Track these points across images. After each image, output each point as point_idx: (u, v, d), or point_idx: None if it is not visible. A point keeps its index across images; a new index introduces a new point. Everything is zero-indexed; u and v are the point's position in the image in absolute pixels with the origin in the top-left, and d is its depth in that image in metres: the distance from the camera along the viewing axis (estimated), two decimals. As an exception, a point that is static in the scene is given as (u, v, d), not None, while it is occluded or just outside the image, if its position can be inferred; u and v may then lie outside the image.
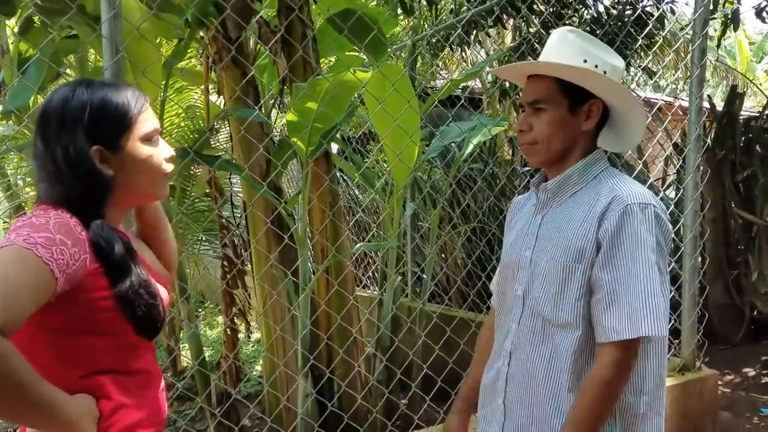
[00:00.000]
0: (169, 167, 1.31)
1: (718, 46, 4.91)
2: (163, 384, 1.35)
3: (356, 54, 3.73)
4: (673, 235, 1.49)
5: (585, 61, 1.44)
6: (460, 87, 3.93)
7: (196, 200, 5.23)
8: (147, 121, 1.27)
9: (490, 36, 6.61)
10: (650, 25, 4.19)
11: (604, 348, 1.34)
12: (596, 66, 1.44)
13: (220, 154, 3.87)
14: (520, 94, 1.62)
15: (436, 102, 3.17)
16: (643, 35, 4.06)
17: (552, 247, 1.44)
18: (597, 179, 1.46)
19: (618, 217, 1.35)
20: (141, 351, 1.27)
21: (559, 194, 1.50)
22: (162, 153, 1.30)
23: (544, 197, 1.54)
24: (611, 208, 1.36)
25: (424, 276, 3.65)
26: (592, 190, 1.45)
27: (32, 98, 4.14)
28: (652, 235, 1.35)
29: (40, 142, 1.20)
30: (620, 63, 1.50)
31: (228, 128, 4.72)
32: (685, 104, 3.38)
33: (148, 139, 1.26)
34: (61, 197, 1.18)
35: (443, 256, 4.91)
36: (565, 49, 1.47)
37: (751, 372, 4.75)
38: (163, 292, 1.34)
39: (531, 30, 5.47)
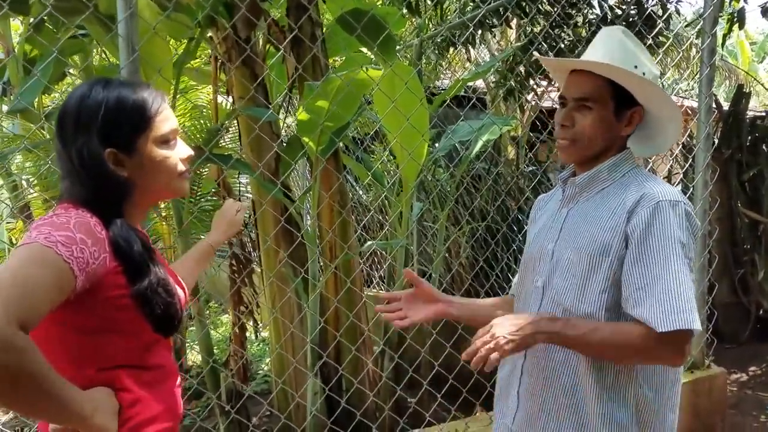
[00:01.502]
0: (185, 167, 1.31)
1: (723, 45, 4.90)
2: (179, 380, 1.37)
3: (364, 53, 3.74)
4: (698, 234, 1.48)
5: (635, 66, 1.45)
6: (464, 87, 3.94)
7: (202, 199, 5.23)
8: (165, 121, 1.26)
9: (494, 35, 6.62)
10: (659, 25, 4.19)
11: (647, 329, 1.31)
12: (644, 74, 1.45)
13: (230, 153, 3.88)
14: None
15: (442, 102, 3.18)
16: (652, 35, 4.05)
17: (577, 239, 1.44)
18: (625, 177, 1.48)
19: (649, 214, 1.35)
20: (158, 347, 1.28)
21: (587, 189, 1.51)
22: (179, 153, 1.29)
23: (571, 192, 1.54)
24: (642, 204, 1.37)
25: (433, 275, 3.65)
26: (620, 187, 1.46)
27: (37, 99, 4.16)
28: (683, 231, 1.35)
29: (59, 142, 1.21)
30: (658, 71, 1.52)
31: (234, 128, 4.73)
32: (690, 104, 3.38)
33: (165, 140, 1.26)
34: (82, 197, 1.19)
35: (447, 256, 4.91)
36: (617, 51, 1.47)
37: (757, 371, 4.76)
38: (180, 291, 1.35)
39: (536, 29, 5.48)
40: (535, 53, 1.91)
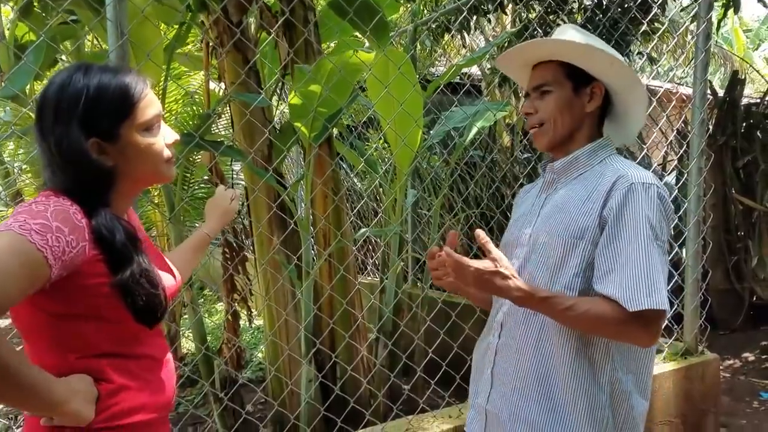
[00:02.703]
0: (170, 152, 1.28)
1: (718, 30, 4.90)
2: (171, 368, 1.34)
3: (357, 38, 3.71)
4: (675, 217, 1.50)
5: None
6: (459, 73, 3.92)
7: (195, 187, 5.21)
8: (148, 107, 1.22)
9: (489, 21, 6.58)
10: (654, 10, 4.16)
11: (614, 303, 1.34)
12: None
13: (221, 139, 3.85)
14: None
15: (436, 88, 3.15)
16: (647, 20, 4.03)
17: (553, 223, 1.47)
18: (603, 163, 1.51)
19: (622, 195, 1.38)
20: (144, 336, 1.26)
21: (565, 175, 1.55)
22: (164, 138, 1.27)
23: (550, 177, 1.59)
24: (616, 187, 1.40)
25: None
26: (597, 172, 1.49)
27: (29, 84, 4.11)
28: (654, 213, 1.37)
29: (38, 132, 1.18)
30: (618, 55, 1.56)
31: (226, 114, 4.70)
32: (685, 91, 3.37)
33: (148, 126, 1.23)
34: (63, 185, 1.16)
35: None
36: (563, 36, 1.54)
37: (750, 357, 4.79)
38: (167, 280, 1.33)
39: (531, 15, 5.45)
40: (489, 57, 2.00)
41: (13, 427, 3.02)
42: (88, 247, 1.12)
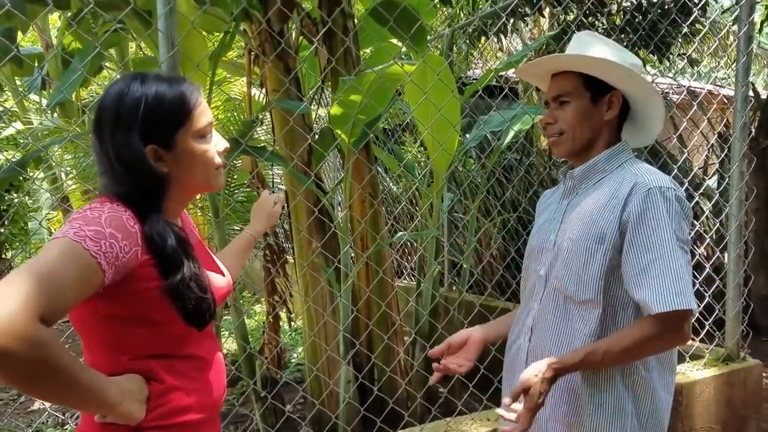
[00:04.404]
0: (221, 160, 1.32)
1: (761, 32, 4.80)
2: (221, 368, 1.37)
3: (394, 44, 3.75)
4: (692, 218, 1.54)
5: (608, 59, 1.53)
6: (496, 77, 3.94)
7: (235, 191, 5.30)
8: (201, 115, 1.26)
9: (527, 24, 6.56)
10: (695, 13, 4.11)
11: (646, 319, 1.39)
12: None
13: (263, 145, 3.93)
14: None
15: (473, 92, 3.18)
16: (688, 22, 3.99)
17: (575, 229, 1.51)
18: (621, 168, 1.55)
19: (641, 200, 1.42)
20: (195, 337, 1.29)
21: (584, 181, 1.60)
22: (216, 146, 1.31)
23: (570, 184, 1.63)
24: (634, 192, 1.44)
25: (465, 266, 3.67)
26: (616, 177, 1.53)
27: (75, 92, 4.25)
28: (673, 216, 1.41)
29: (96, 139, 1.22)
30: (638, 61, 1.60)
31: (266, 121, 4.79)
32: (727, 93, 3.33)
33: (202, 134, 1.27)
34: (119, 192, 1.20)
35: (478, 247, 4.92)
36: (586, 49, 1.57)
37: (794, 364, 4.67)
38: (220, 281, 1.37)
39: (569, 18, 5.42)
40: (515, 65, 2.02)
41: (69, 421, 3.13)
42: (140, 252, 1.15)
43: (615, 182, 1.51)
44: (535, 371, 1.37)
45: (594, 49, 1.56)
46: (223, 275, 1.43)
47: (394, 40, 3.51)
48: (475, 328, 1.77)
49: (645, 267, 1.38)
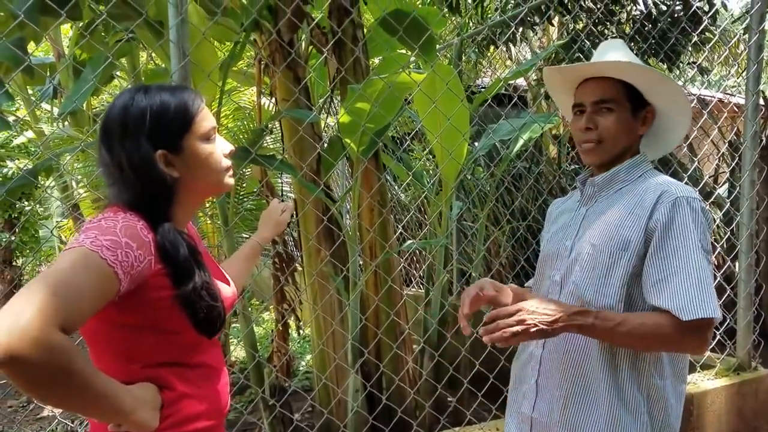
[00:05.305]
0: (228, 162, 1.35)
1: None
2: (226, 378, 1.39)
3: (403, 53, 3.76)
4: (713, 226, 1.55)
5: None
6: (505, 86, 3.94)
7: (245, 200, 5.33)
8: (205, 120, 1.29)
9: (536, 33, 6.57)
10: (705, 21, 4.11)
11: (670, 319, 1.36)
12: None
13: (273, 154, 3.95)
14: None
15: (482, 101, 3.18)
16: (698, 31, 3.98)
17: (597, 235, 1.51)
18: (642, 177, 1.56)
19: (669, 209, 1.42)
20: (203, 346, 1.30)
21: (605, 189, 1.59)
22: (221, 149, 1.34)
23: (590, 191, 1.63)
24: (661, 201, 1.44)
25: (473, 274, 3.67)
26: (638, 186, 1.53)
27: (86, 101, 4.28)
28: (698, 225, 1.41)
29: (105, 152, 1.24)
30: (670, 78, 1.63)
31: (275, 130, 4.81)
32: (737, 101, 3.32)
33: (207, 137, 1.29)
34: (131, 201, 1.22)
35: (487, 255, 4.91)
36: (622, 55, 1.56)
37: (807, 375, 4.61)
38: (226, 291, 1.39)
39: (578, 27, 5.42)
40: (539, 64, 2.01)
41: (79, 429, 3.14)
42: (153, 261, 1.17)
43: (638, 191, 1.51)
44: (544, 315, 1.31)
45: (629, 56, 1.55)
46: (229, 284, 1.45)
47: (404, 50, 3.52)
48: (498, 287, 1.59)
49: (670, 274, 1.37)
